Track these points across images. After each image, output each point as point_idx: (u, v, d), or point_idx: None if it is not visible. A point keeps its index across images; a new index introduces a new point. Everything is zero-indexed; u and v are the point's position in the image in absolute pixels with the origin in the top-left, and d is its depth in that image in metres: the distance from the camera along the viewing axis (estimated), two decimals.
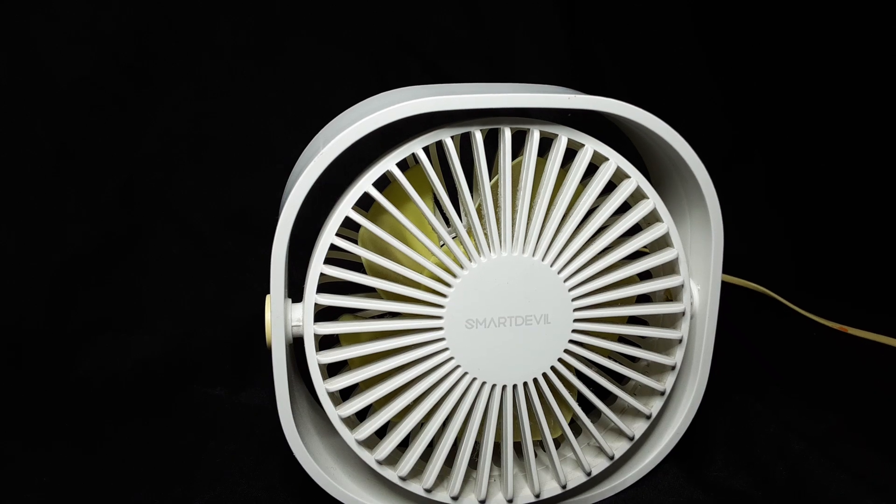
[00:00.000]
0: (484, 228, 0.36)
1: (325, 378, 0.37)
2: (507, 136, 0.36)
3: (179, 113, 0.68)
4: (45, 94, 0.65)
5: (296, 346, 0.39)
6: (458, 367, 0.37)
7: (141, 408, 0.53)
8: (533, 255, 0.37)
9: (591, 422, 0.41)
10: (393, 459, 0.39)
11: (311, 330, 0.37)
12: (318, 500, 0.40)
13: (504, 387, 0.38)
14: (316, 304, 0.36)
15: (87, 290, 0.65)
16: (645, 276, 0.41)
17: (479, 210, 0.38)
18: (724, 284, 0.41)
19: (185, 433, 0.50)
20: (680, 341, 0.40)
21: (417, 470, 0.40)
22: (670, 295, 0.42)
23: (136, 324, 0.64)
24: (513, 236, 0.36)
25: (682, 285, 0.40)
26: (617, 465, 0.42)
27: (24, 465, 0.46)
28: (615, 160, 0.38)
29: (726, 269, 0.41)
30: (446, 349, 0.37)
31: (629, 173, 0.38)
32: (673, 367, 0.41)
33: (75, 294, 0.65)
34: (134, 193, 0.67)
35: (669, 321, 0.41)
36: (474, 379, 0.37)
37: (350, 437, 0.38)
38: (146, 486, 0.44)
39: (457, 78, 0.72)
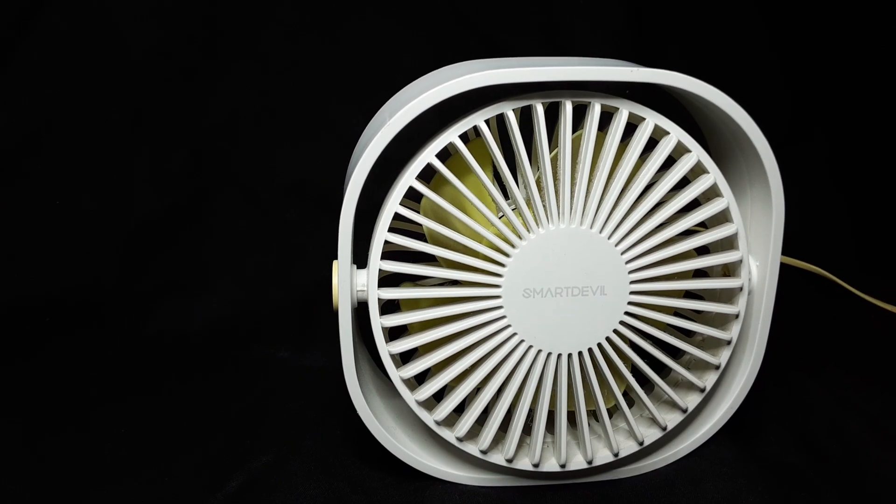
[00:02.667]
0: (543, 200, 0.37)
1: (387, 341, 0.39)
2: (567, 109, 0.37)
3: (244, 85, 0.70)
4: (119, 66, 0.67)
5: (359, 311, 0.41)
6: (514, 334, 0.38)
7: (208, 367, 0.56)
8: (591, 227, 0.37)
9: (646, 393, 0.41)
10: (450, 421, 0.41)
11: (376, 295, 0.38)
12: (379, 457, 0.42)
13: (559, 355, 0.39)
14: (380, 270, 0.38)
15: (157, 254, 0.68)
16: (703, 251, 0.42)
17: (538, 182, 0.38)
18: (781, 265, 0.41)
19: (251, 392, 0.53)
20: (737, 316, 0.41)
21: (473, 433, 0.41)
22: (728, 270, 0.42)
23: (203, 287, 0.67)
24: (571, 208, 0.37)
25: (741, 261, 0.40)
26: (669, 437, 0.43)
27: (101, 417, 0.50)
28: (676, 134, 0.38)
29: (784, 249, 0.41)
30: (504, 317, 0.38)
31: (690, 147, 0.38)
32: (729, 342, 0.41)
33: (146, 257, 0.68)
34: (201, 162, 0.70)
35: (726, 296, 0.42)
36: (530, 347, 0.39)
37: (410, 397, 0.39)
38: (216, 439, 0.47)
39: (514, 53, 0.72)
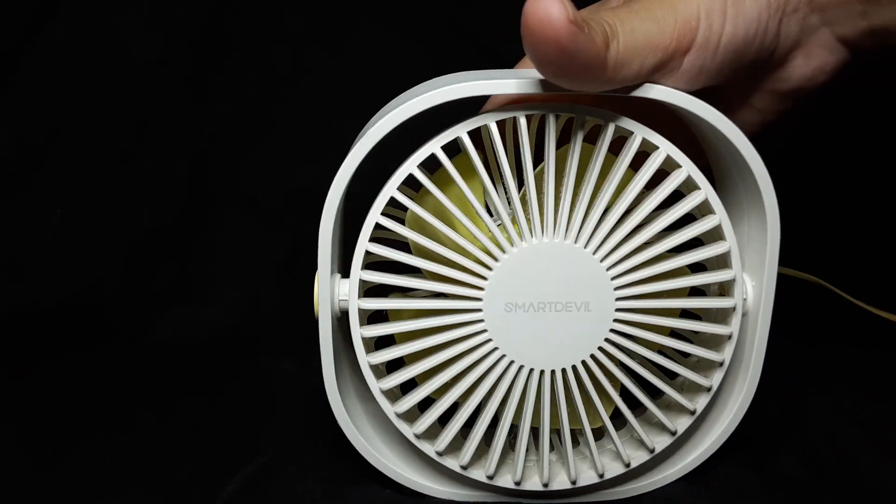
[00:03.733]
0: (527, 214, 0.37)
1: (368, 351, 0.39)
2: (551, 122, 0.36)
3: (246, 96, 0.71)
4: (123, 76, 0.69)
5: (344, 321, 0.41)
6: (495, 349, 0.38)
7: (209, 375, 0.57)
8: (575, 241, 0.37)
9: (637, 414, 0.40)
10: (432, 434, 0.40)
11: (356, 305, 0.38)
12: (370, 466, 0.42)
13: (542, 372, 0.38)
14: (361, 281, 0.38)
15: (160, 263, 0.70)
16: (699, 269, 0.40)
17: (522, 196, 0.38)
18: (778, 276, 0.39)
19: (251, 400, 0.53)
20: (729, 337, 0.39)
21: (455, 447, 0.40)
22: (723, 290, 0.40)
23: (205, 296, 0.68)
24: (555, 222, 0.37)
25: (734, 280, 0.38)
26: (658, 460, 0.42)
27: (102, 424, 0.51)
28: (665, 149, 0.37)
29: (782, 259, 0.39)
30: (485, 331, 0.38)
31: (681, 163, 0.37)
32: (721, 364, 0.39)
33: (149, 266, 0.69)
34: (203, 172, 0.71)
35: (721, 316, 0.40)
36: (512, 362, 0.38)
37: (390, 409, 0.39)
38: (216, 447, 0.47)
39: (513, 60, 0.71)
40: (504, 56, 0.72)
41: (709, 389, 0.40)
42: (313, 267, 0.68)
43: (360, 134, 0.43)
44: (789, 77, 0.40)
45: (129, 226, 0.70)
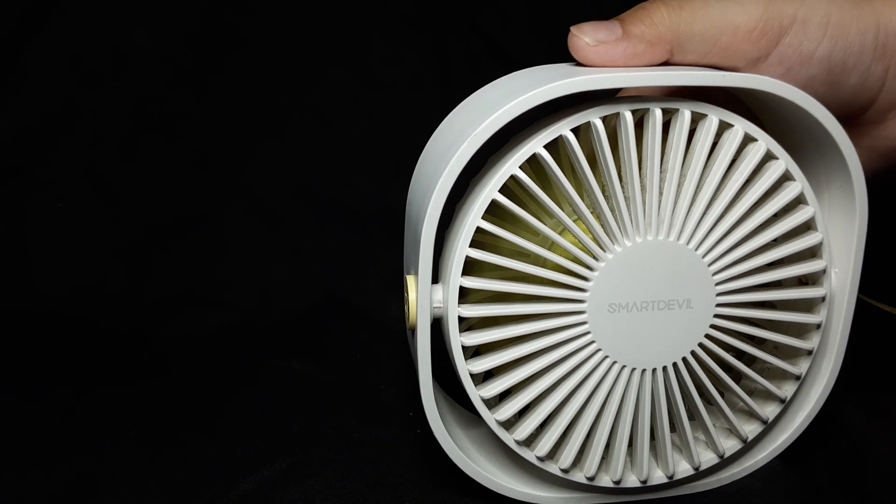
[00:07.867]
0: (629, 212, 0.36)
1: (466, 359, 0.37)
2: (657, 115, 0.35)
3: (249, 90, 0.69)
4: (123, 72, 0.67)
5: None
6: (598, 350, 0.37)
7: (218, 377, 0.55)
8: (678, 238, 0.36)
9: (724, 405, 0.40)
10: (527, 441, 0.39)
11: (455, 312, 0.37)
12: (393, 467, 0.43)
13: (643, 370, 0.38)
14: (461, 287, 0.36)
15: (162, 262, 0.67)
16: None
17: (624, 193, 0.37)
18: None
19: (261, 402, 0.52)
20: (818, 326, 0.40)
21: (550, 452, 0.40)
22: (804, 279, 0.41)
23: (209, 296, 0.65)
24: (658, 220, 0.36)
25: (825, 270, 0.39)
26: (747, 447, 0.42)
27: (111, 420, 0.49)
28: (765, 141, 0.37)
29: None
30: (588, 333, 0.37)
31: (778, 155, 0.37)
32: (809, 352, 0.40)
33: (154, 264, 0.67)
34: (206, 168, 0.69)
35: (804, 305, 0.41)
36: (614, 362, 0.37)
37: (490, 417, 0.38)
38: (222, 448, 0.46)
39: (520, 57, 0.70)
40: (509, 47, 0.71)
41: (798, 377, 0.40)
42: (319, 266, 0.67)
43: (433, 139, 0.41)
44: (889, 136, 0.40)
45: (132, 223, 0.67)
